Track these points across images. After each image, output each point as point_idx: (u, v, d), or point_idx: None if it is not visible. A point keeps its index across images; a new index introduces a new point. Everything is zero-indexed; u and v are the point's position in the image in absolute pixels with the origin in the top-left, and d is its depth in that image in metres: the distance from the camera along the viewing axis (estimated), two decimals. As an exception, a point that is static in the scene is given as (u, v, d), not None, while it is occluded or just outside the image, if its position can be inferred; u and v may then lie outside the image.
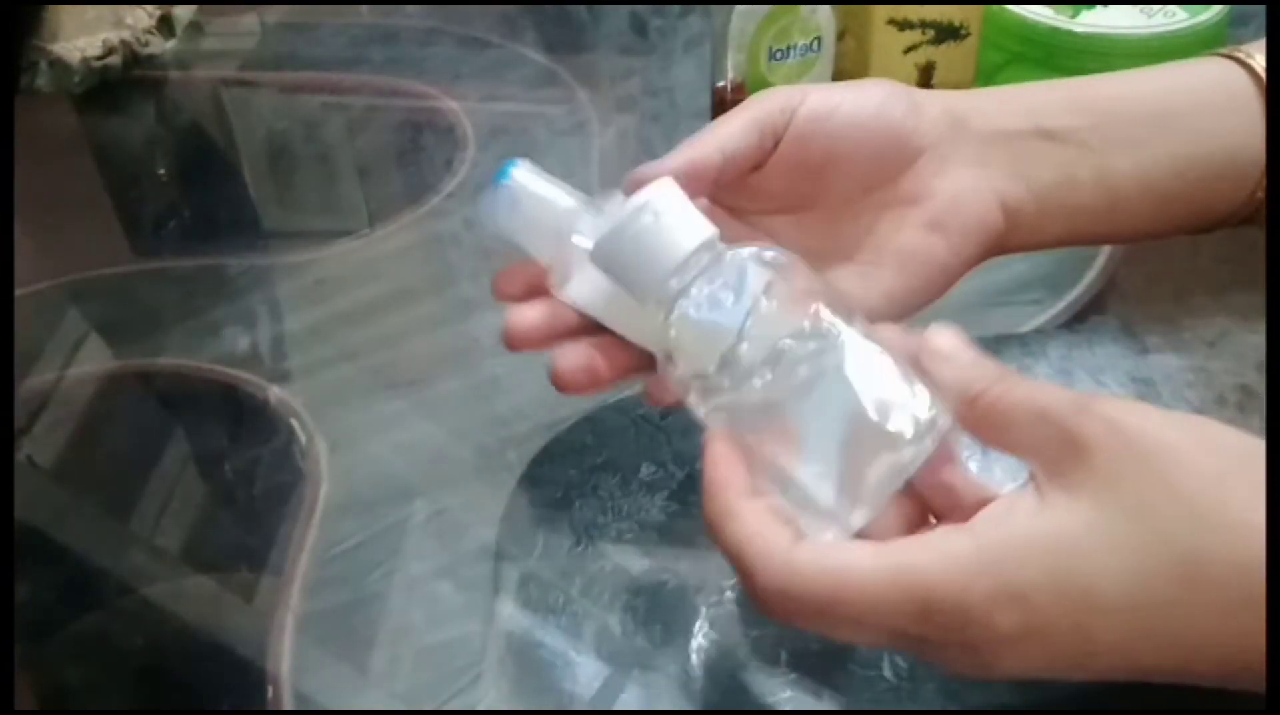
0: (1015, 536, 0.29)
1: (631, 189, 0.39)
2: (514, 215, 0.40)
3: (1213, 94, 0.42)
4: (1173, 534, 0.28)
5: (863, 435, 0.34)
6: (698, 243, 0.36)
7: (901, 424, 0.33)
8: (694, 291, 0.35)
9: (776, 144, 0.40)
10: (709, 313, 0.35)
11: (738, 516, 0.32)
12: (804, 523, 0.34)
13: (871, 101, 0.41)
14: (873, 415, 0.34)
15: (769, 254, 0.36)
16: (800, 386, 0.34)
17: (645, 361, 0.39)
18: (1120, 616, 0.28)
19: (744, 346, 0.34)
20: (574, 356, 0.39)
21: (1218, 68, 0.43)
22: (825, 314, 0.35)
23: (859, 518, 0.33)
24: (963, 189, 0.40)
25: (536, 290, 0.40)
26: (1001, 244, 0.42)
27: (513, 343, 0.39)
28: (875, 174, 0.41)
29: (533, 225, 0.40)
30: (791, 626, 0.32)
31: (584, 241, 0.38)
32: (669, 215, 0.36)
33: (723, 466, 0.33)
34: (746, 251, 0.36)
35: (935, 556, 0.30)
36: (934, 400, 0.34)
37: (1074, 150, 0.41)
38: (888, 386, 0.34)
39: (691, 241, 0.36)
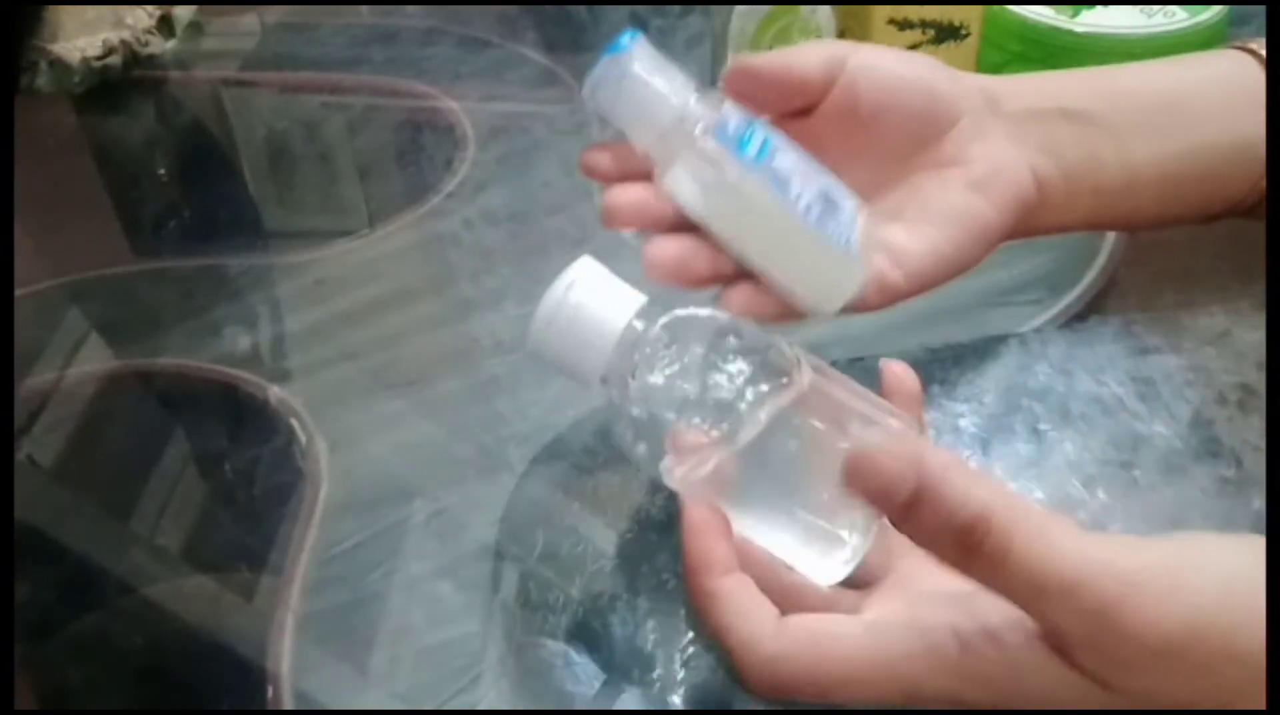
0: (1006, 671, 0.29)
1: (732, 81, 0.38)
2: (622, 92, 0.36)
3: (1226, 84, 0.43)
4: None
5: (834, 468, 0.34)
6: (629, 316, 0.35)
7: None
8: (639, 365, 0.35)
9: (829, 88, 0.41)
10: (659, 382, 0.35)
11: (718, 599, 0.32)
12: (804, 564, 0.34)
13: (917, 63, 0.42)
14: (843, 446, 0.33)
15: (705, 313, 0.36)
16: (766, 434, 0.33)
17: (739, 269, 0.38)
18: None
19: (703, 406, 0.34)
20: (671, 248, 0.37)
21: (1231, 59, 0.44)
22: (773, 360, 0.35)
23: (856, 546, 0.33)
24: (1001, 156, 0.41)
25: (627, 174, 0.38)
26: (1031, 220, 0.42)
27: (610, 220, 0.38)
28: (919, 133, 0.41)
29: (641, 106, 0.37)
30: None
31: (703, 138, 0.36)
32: (597, 294, 0.35)
33: (699, 544, 0.33)
34: (683, 313, 0.36)
35: (925, 658, 0.29)
36: (900, 423, 0.34)
37: (1096, 131, 0.42)
38: (853, 416, 0.34)
39: (623, 316, 0.35)
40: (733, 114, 0.37)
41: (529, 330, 0.36)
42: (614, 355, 0.35)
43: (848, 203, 0.38)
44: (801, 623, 0.31)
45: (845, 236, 0.37)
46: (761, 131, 0.37)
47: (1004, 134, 0.42)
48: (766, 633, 0.31)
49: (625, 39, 0.36)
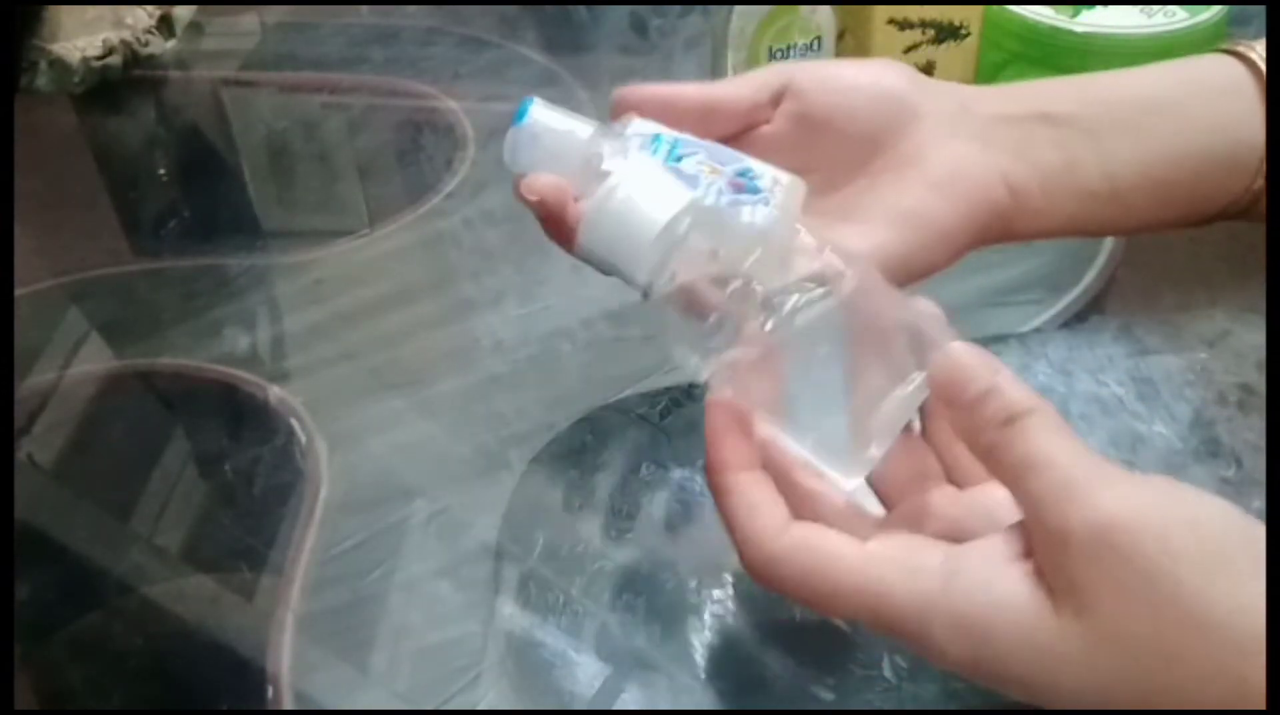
0: (989, 611, 0.30)
1: (618, 108, 0.41)
2: (536, 151, 0.41)
3: (1210, 85, 0.43)
4: (1150, 659, 0.28)
5: (869, 372, 0.34)
6: (675, 210, 0.36)
7: (907, 358, 0.33)
8: (681, 259, 0.36)
9: (776, 102, 0.42)
10: (699, 277, 0.35)
11: (731, 494, 0.33)
12: (820, 463, 0.34)
13: (871, 68, 0.43)
14: (878, 351, 0.34)
15: (754, 212, 0.36)
16: (803, 331, 0.34)
17: None
18: (1077, 704, 0.29)
19: (739, 304, 0.34)
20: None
21: (1215, 61, 0.44)
22: (819, 261, 0.35)
23: (875, 451, 0.34)
24: (965, 158, 0.41)
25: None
26: (1008, 226, 0.42)
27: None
28: (874, 135, 0.42)
29: (556, 158, 0.40)
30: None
31: (611, 164, 0.39)
32: (643, 188, 0.36)
33: (721, 440, 0.34)
34: (733, 205, 0.36)
35: (906, 588, 0.30)
36: (937, 337, 0.34)
37: (1075, 134, 0.42)
38: (890, 324, 0.34)
39: (668, 210, 0.36)
40: (635, 136, 0.40)
41: (579, 231, 0.38)
42: (655, 249, 0.36)
43: (767, 178, 0.40)
44: (805, 532, 0.32)
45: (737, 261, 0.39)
46: (665, 143, 0.40)
47: (974, 136, 0.42)
48: (770, 532, 0.32)
49: (525, 107, 0.41)
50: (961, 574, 0.30)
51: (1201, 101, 0.43)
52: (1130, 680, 0.28)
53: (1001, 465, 0.30)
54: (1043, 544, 0.29)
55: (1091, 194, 0.42)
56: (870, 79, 0.42)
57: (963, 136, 0.41)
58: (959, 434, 0.32)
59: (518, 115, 0.41)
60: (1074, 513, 0.28)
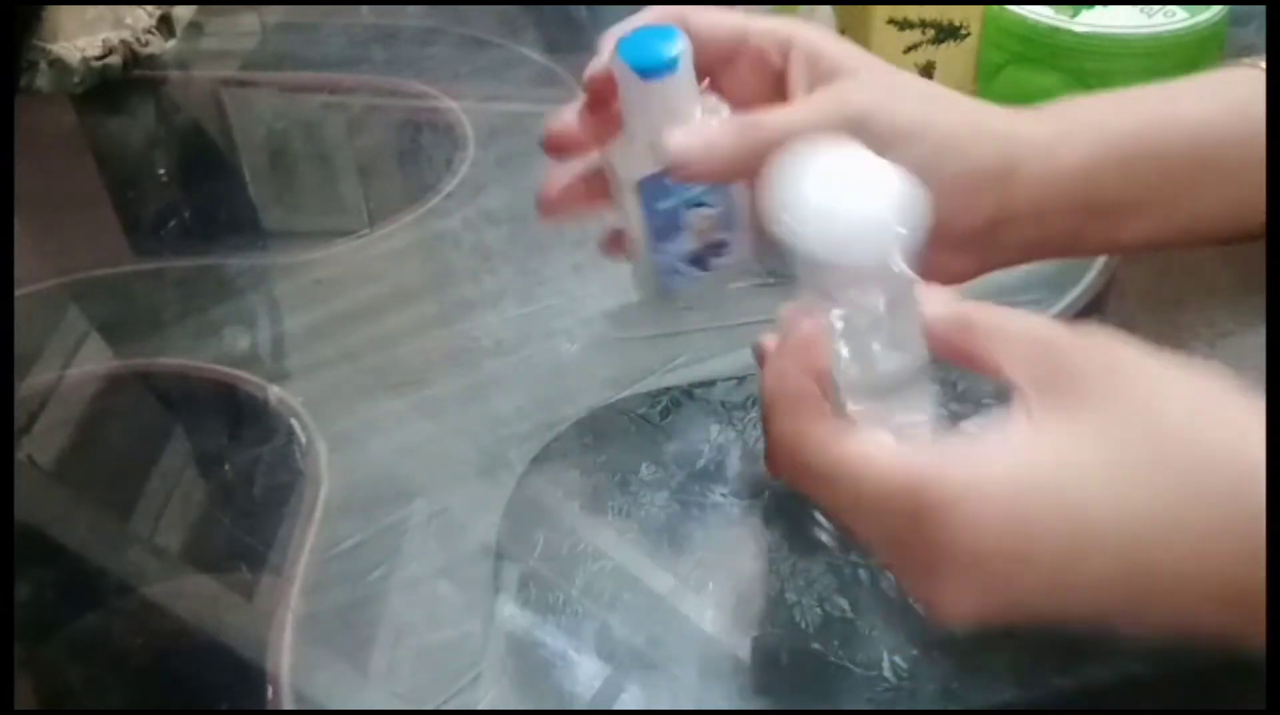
0: (1011, 464, 0.29)
1: None
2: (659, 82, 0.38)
3: (1255, 114, 0.39)
4: (1170, 457, 0.28)
5: None
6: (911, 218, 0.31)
7: None
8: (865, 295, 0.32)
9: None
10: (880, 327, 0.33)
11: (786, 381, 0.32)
12: None
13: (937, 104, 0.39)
14: None
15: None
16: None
17: None
18: (1114, 547, 0.28)
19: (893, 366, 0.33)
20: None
21: (1248, 77, 0.40)
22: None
23: None
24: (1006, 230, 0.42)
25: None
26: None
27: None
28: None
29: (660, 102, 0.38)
30: (796, 487, 0.32)
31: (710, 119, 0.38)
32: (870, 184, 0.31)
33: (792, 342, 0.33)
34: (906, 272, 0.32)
35: (934, 461, 0.30)
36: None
37: (1125, 217, 0.39)
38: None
39: (899, 219, 0.30)
40: None
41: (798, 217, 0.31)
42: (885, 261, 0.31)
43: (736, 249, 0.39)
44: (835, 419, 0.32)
45: (672, 265, 0.39)
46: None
47: (1028, 224, 0.40)
48: (806, 415, 0.32)
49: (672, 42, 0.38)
50: (982, 442, 0.30)
51: (1252, 140, 0.38)
52: (1159, 492, 0.28)
53: (974, 350, 0.32)
54: (1047, 381, 0.30)
55: (1116, 244, 0.42)
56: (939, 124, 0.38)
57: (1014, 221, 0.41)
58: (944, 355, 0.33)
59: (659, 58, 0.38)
60: (1080, 348, 0.31)
